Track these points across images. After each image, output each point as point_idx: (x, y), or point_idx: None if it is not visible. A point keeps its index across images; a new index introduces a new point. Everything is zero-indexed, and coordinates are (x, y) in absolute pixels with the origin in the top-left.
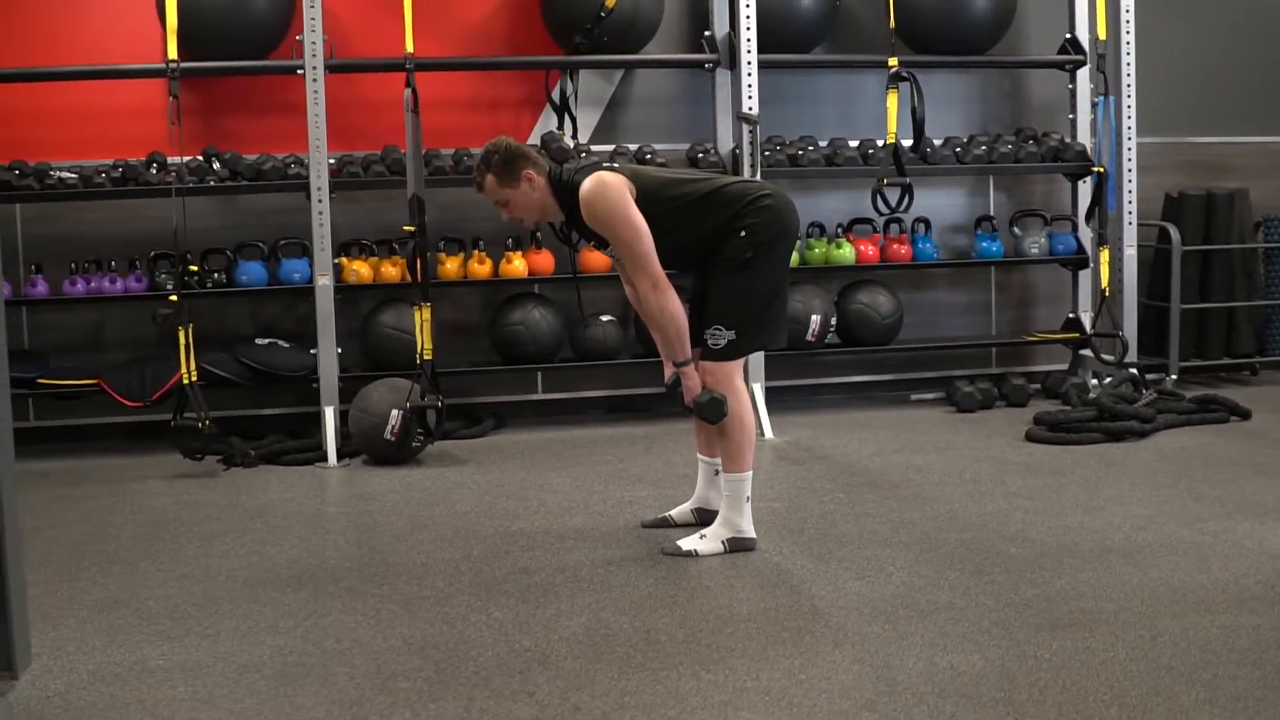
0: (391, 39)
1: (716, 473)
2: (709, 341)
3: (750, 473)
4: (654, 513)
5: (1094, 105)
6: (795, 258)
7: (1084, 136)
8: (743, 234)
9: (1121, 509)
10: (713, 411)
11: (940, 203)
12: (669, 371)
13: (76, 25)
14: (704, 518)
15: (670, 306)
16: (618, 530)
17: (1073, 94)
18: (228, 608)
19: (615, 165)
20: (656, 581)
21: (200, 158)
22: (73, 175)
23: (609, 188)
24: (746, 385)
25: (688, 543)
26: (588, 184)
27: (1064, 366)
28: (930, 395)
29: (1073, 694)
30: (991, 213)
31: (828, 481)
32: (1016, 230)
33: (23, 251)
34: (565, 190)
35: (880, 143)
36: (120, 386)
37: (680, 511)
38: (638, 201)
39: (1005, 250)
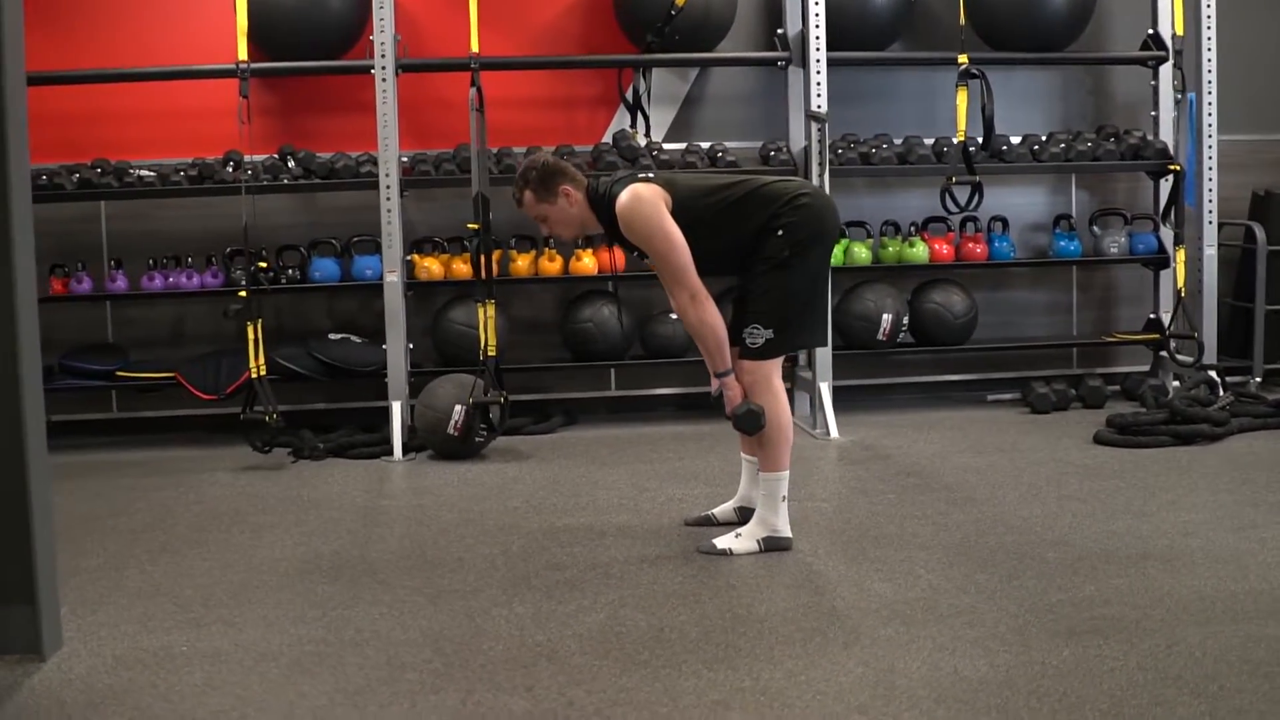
0: (467, 38)
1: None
2: (747, 340)
3: (787, 472)
4: (700, 511)
5: (1176, 102)
6: (868, 255)
7: (1166, 134)
8: (780, 233)
9: (1173, 514)
10: (749, 423)
11: (1020, 201)
12: (715, 383)
13: (162, 28)
14: (746, 516)
15: (709, 318)
16: (660, 528)
17: (1155, 90)
18: (261, 596)
19: (651, 176)
20: (684, 580)
21: (276, 156)
22: (151, 173)
23: (643, 202)
24: (813, 385)
25: (722, 541)
26: (623, 198)
27: (1147, 368)
28: (1007, 396)
29: (1070, 702)
30: (1073, 211)
31: (882, 482)
32: (1096, 229)
33: (106, 247)
34: (603, 204)
35: (956, 140)
36: (195, 380)
37: (723, 510)
38: (674, 211)
39: (1084, 249)
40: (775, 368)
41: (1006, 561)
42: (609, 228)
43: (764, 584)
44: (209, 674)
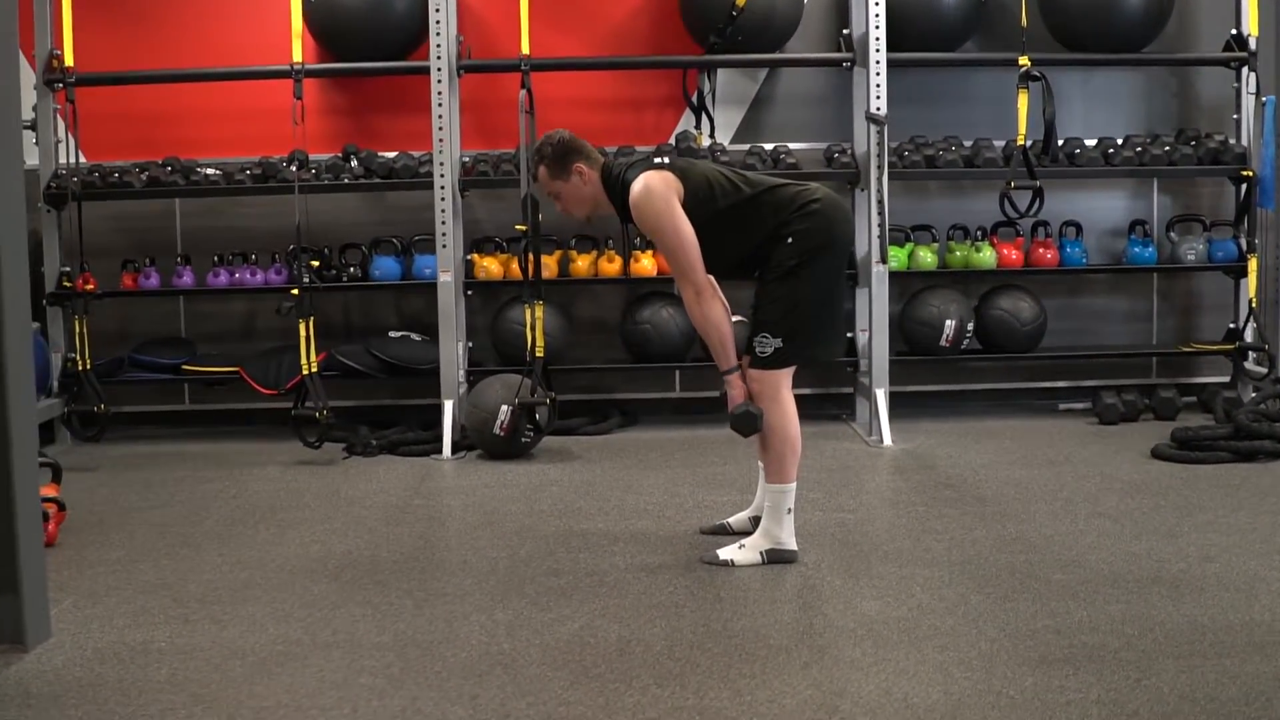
0: (538, 40)
1: None
2: (756, 349)
3: (793, 485)
4: (723, 518)
5: (1261, 104)
6: (933, 260)
7: (1249, 137)
8: (790, 240)
9: (1201, 536)
10: (744, 425)
11: (1099, 205)
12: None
13: (230, 28)
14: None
15: (713, 315)
16: (675, 536)
17: (1237, 93)
18: (258, 595)
19: (667, 162)
20: (674, 591)
21: (340, 155)
22: (216, 172)
23: (654, 194)
24: (870, 391)
25: (726, 552)
26: (636, 186)
27: (1228, 378)
28: (1079, 405)
29: None
30: (1154, 216)
31: (917, 494)
32: (1173, 235)
33: (180, 243)
34: (616, 186)
35: (1029, 143)
36: (257, 375)
37: (738, 519)
38: (685, 204)
39: (1160, 256)
40: (785, 378)
41: (1008, 582)
42: (621, 210)
43: (751, 598)
44: (174, 670)
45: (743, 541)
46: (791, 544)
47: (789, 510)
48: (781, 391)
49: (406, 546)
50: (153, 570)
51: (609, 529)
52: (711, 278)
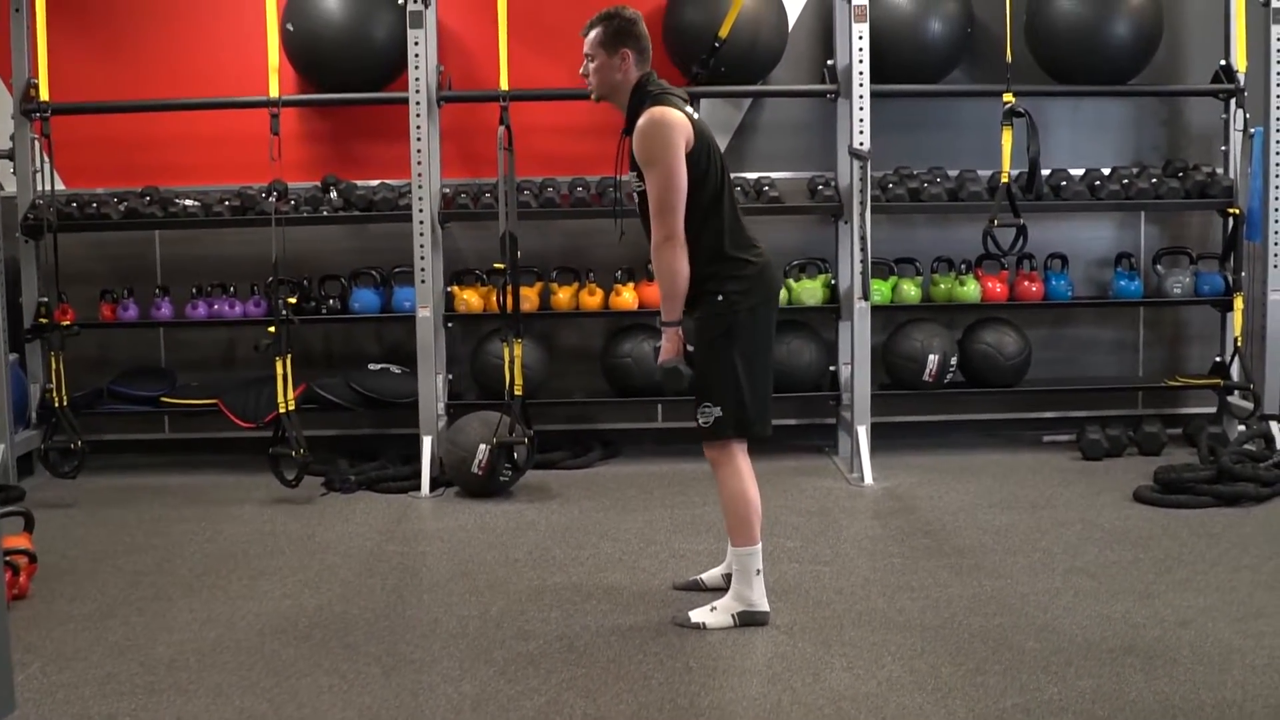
0: (521, 68)
1: None
2: (699, 419)
3: (758, 546)
4: (698, 571)
5: (1250, 137)
6: (917, 293)
7: (1236, 173)
8: (720, 298)
9: (1179, 596)
10: (674, 380)
11: (1085, 235)
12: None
13: (211, 55)
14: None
15: (678, 265)
16: (647, 592)
17: (1226, 125)
18: (225, 660)
19: (692, 114)
20: (644, 659)
21: (319, 185)
22: (195, 203)
23: (667, 126)
24: (851, 426)
25: (698, 614)
26: (653, 110)
27: (1215, 409)
28: (1063, 437)
29: None
30: (1141, 246)
31: (894, 543)
32: (1160, 268)
33: (160, 272)
34: (639, 99)
35: (1015, 173)
36: (236, 407)
37: (711, 576)
38: (690, 153)
39: (1147, 288)
40: (739, 444)
41: (981, 651)
42: (628, 121)
43: (720, 668)
44: None
45: (715, 603)
46: (763, 604)
47: (758, 571)
48: (737, 458)
49: (378, 602)
50: (122, 628)
51: (582, 582)
52: None
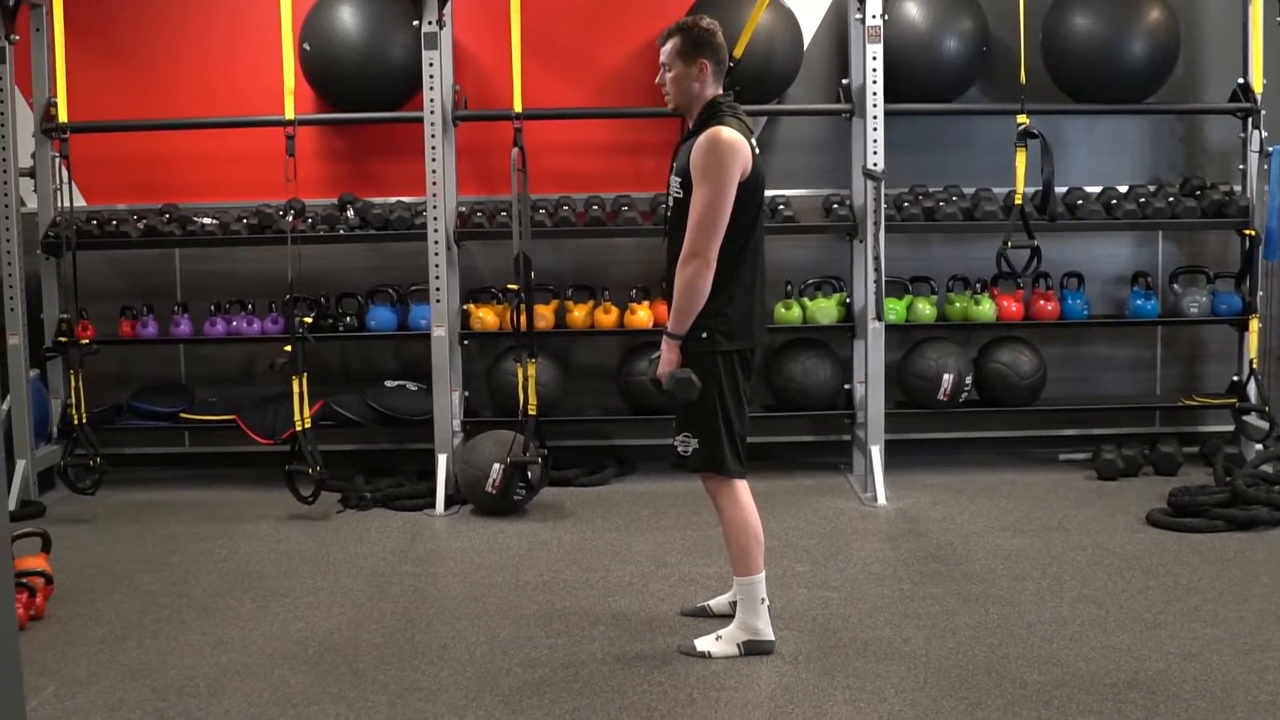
0: (535, 86)
1: None
2: (679, 449)
3: (761, 575)
4: (705, 597)
5: (1268, 156)
6: (932, 312)
7: (1253, 192)
8: (704, 335)
9: (1186, 627)
10: (685, 389)
11: (1102, 253)
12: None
13: (227, 74)
14: None
15: (700, 283)
16: (655, 618)
17: (1244, 143)
18: (236, 686)
19: (754, 143)
20: (649, 688)
21: (336, 203)
22: (213, 221)
23: (732, 149)
24: (865, 446)
25: (703, 643)
26: (724, 129)
27: (1232, 428)
28: (1079, 455)
29: None
30: (1158, 264)
31: (905, 568)
32: (1176, 287)
33: (179, 290)
34: (709, 114)
35: (1031, 190)
36: (253, 424)
37: (718, 602)
38: (742, 182)
39: (1164, 307)
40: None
41: (984, 684)
42: (691, 134)
43: (724, 700)
44: None
45: (720, 632)
46: (768, 634)
47: (762, 600)
48: (736, 487)
49: (388, 626)
50: (135, 650)
51: (591, 607)
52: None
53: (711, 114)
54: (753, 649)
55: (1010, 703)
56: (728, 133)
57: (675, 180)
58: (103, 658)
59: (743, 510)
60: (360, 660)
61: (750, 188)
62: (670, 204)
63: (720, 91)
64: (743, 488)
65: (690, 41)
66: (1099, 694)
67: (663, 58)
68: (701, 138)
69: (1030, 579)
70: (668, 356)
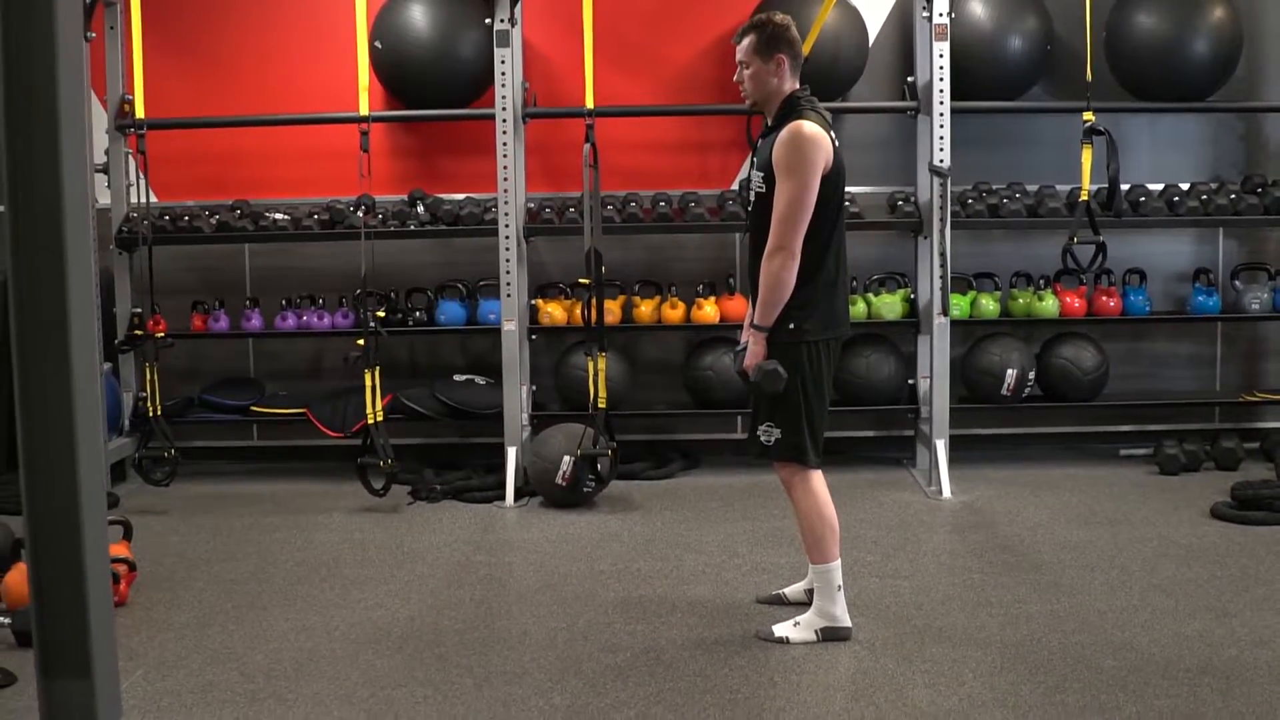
0: (603, 84)
1: None
2: (761, 438)
3: (837, 562)
4: (779, 585)
5: None
6: (996, 308)
7: None
8: (791, 326)
9: (1256, 615)
10: (772, 381)
11: (1162, 250)
12: (744, 340)
13: (303, 73)
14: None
15: (785, 276)
16: (731, 605)
17: None
18: (323, 669)
19: (834, 137)
20: (730, 672)
21: (405, 199)
22: (285, 217)
23: (816, 143)
24: (930, 440)
25: (781, 629)
26: (805, 124)
27: None
28: (1140, 451)
29: None
30: (1219, 261)
31: (974, 558)
32: (1238, 284)
33: (250, 285)
34: (788, 108)
35: (1094, 188)
36: (324, 416)
37: (794, 590)
38: (825, 176)
39: (1225, 303)
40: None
41: (1060, 668)
42: (771, 129)
43: (805, 684)
44: None
45: (798, 619)
46: (845, 620)
47: (839, 586)
48: (810, 476)
49: (467, 613)
50: (220, 635)
51: (666, 595)
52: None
53: (791, 109)
54: (830, 635)
55: (1087, 686)
56: (809, 126)
57: (757, 175)
58: (189, 642)
59: (818, 499)
60: (442, 645)
61: (832, 181)
62: (752, 199)
63: (798, 86)
64: (818, 477)
65: (766, 37)
66: (1174, 678)
67: (740, 55)
68: (784, 132)
69: (1099, 569)
70: (754, 349)
